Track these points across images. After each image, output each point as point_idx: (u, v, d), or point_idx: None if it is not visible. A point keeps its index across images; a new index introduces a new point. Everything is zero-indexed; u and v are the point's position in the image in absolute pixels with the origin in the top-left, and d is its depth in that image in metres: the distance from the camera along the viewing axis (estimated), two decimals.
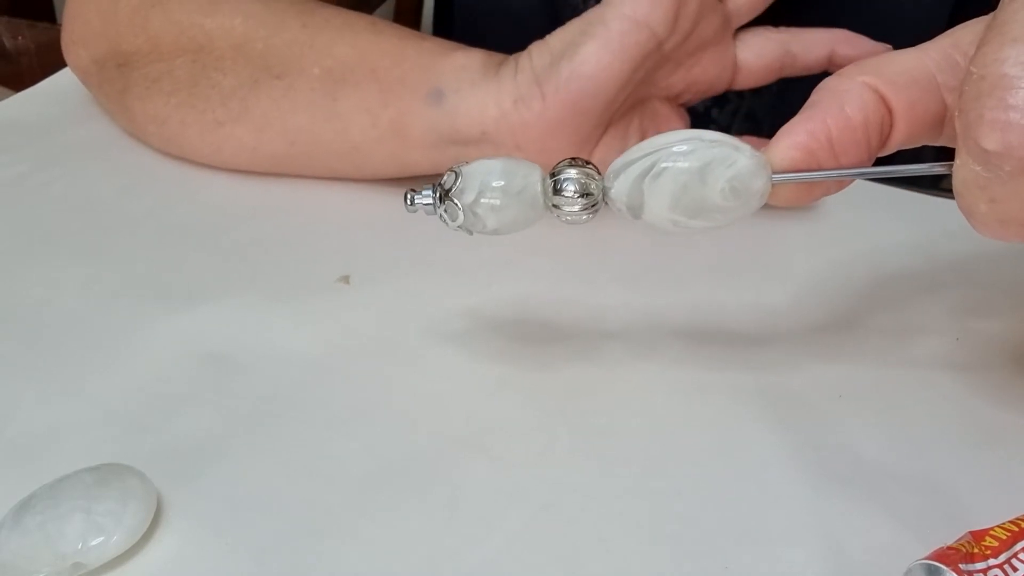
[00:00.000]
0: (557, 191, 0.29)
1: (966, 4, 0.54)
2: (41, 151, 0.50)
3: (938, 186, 0.48)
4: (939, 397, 0.35)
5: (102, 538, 0.28)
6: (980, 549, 0.27)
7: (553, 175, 0.30)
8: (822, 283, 0.42)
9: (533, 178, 0.30)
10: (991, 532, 0.27)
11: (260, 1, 0.46)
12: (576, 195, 0.29)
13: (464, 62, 0.43)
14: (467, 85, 0.42)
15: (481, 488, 0.32)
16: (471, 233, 0.31)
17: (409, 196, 0.31)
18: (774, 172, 0.28)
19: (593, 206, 0.29)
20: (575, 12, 0.45)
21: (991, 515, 0.28)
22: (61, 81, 0.55)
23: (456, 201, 0.30)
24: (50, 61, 0.56)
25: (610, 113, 0.42)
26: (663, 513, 0.31)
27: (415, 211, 0.31)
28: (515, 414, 0.35)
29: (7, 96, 0.56)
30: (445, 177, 0.30)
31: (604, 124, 0.42)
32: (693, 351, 0.38)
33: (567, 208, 0.29)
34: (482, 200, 0.30)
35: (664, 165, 0.28)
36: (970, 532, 0.27)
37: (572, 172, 0.29)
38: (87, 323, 0.38)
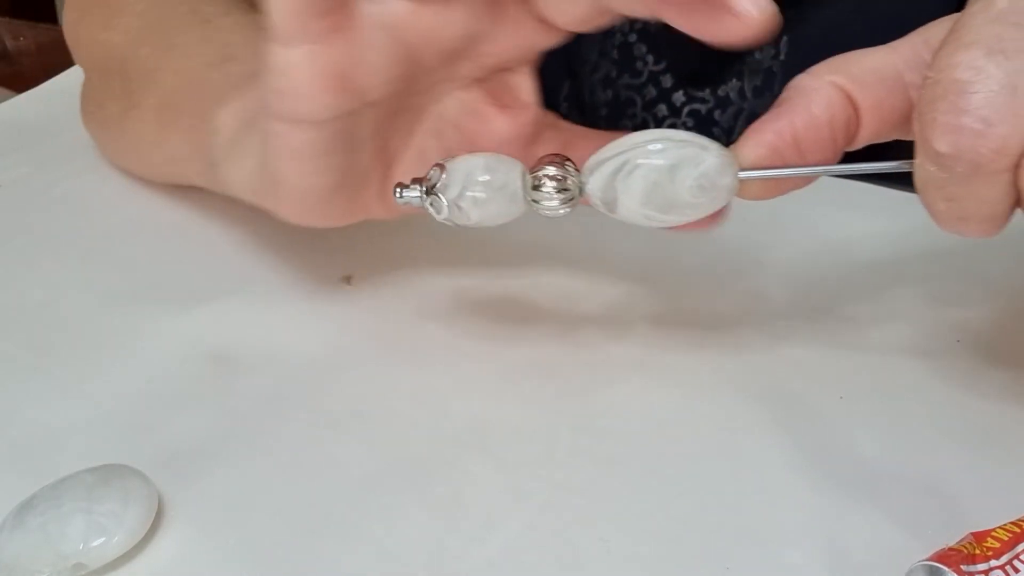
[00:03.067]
0: (536, 187, 0.31)
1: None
2: (43, 152, 0.50)
3: None
4: (940, 398, 0.35)
5: (103, 538, 0.28)
6: (982, 550, 0.27)
7: (533, 171, 0.31)
8: (823, 285, 0.42)
9: (514, 174, 0.31)
10: (993, 533, 0.27)
11: (140, 15, 0.44)
12: (554, 191, 0.31)
13: (221, 124, 0.37)
14: (221, 159, 0.37)
15: (482, 488, 0.32)
16: (456, 225, 0.31)
17: (397, 190, 0.32)
18: (742, 169, 0.30)
19: (570, 200, 0.31)
20: (593, 69, 0.44)
21: (993, 516, 0.28)
22: (63, 82, 0.55)
23: (441, 196, 0.31)
24: (51, 62, 0.56)
25: (366, 160, 0.34)
26: (664, 513, 0.31)
27: (404, 203, 0.31)
28: (516, 414, 0.35)
29: (8, 97, 0.56)
30: (431, 172, 0.31)
31: (370, 169, 0.35)
32: (694, 352, 0.38)
33: (546, 203, 0.31)
34: (466, 194, 0.31)
35: (636, 163, 0.30)
36: (971, 533, 0.27)
37: (551, 169, 0.31)
38: (88, 324, 0.38)
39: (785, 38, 0.54)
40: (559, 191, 0.31)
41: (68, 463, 0.30)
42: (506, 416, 0.35)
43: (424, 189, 0.31)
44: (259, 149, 0.33)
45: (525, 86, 0.34)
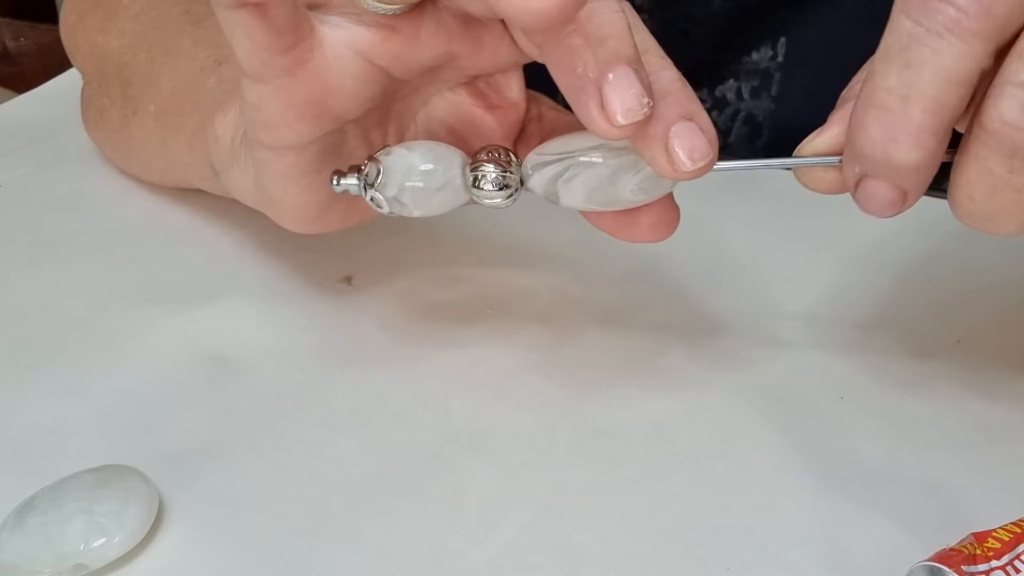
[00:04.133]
0: (476, 184, 0.31)
1: None
2: (43, 153, 0.50)
3: (937, 187, 0.48)
4: (941, 398, 0.35)
5: (104, 539, 0.28)
6: (983, 551, 0.27)
7: (473, 166, 0.31)
8: (823, 285, 0.42)
9: (453, 172, 0.31)
10: (994, 534, 0.27)
11: (135, 18, 0.44)
12: (494, 188, 0.31)
13: (220, 132, 0.37)
14: (223, 168, 0.37)
15: (482, 489, 0.32)
16: (400, 216, 0.31)
17: (335, 178, 0.31)
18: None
19: (511, 195, 0.31)
20: None
21: (994, 516, 0.28)
22: (63, 83, 0.55)
23: (380, 194, 0.31)
24: (52, 63, 0.56)
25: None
26: (664, 514, 0.31)
27: (341, 191, 0.31)
28: (516, 415, 0.35)
29: (9, 97, 0.56)
30: (367, 168, 0.31)
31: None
32: (695, 352, 0.38)
33: (487, 200, 0.31)
34: (405, 193, 0.31)
35: (575, 172, 0.30)
36: (972, 533, 0.27)
37: (489, 168, 0.30)
38: (88, 324, 0.38)
39: (783, 39, 0.54)
40: (500, 188, 0.30)
41: (68, 463, 0.30)
42: (506, 416, 0.35)
43: (362, 183, 0.31)
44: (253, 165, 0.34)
45: (513, 85, 0.34)
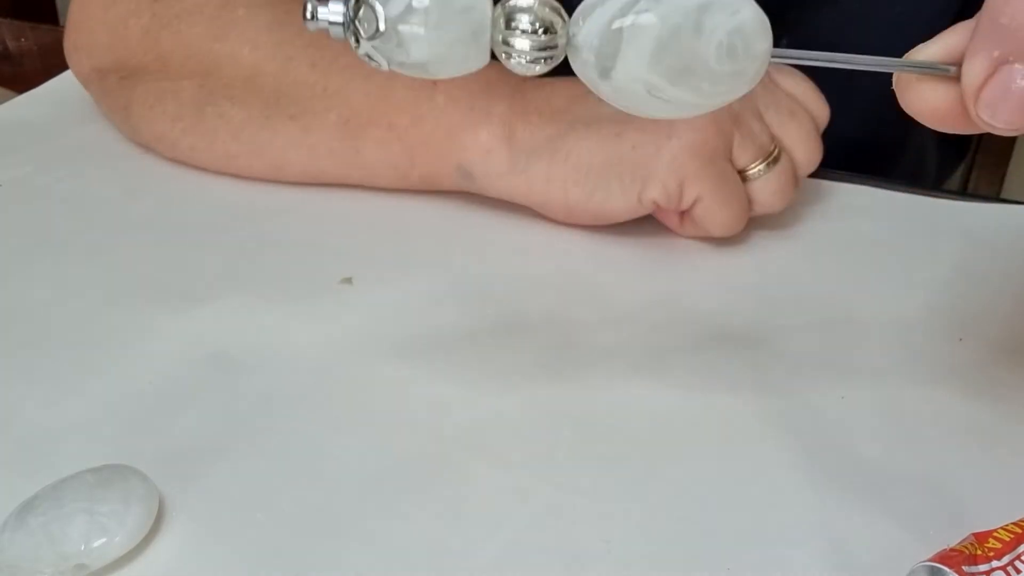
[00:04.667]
0: (510, 23, 0.24)
1: (969, 9, 0.53)
2: (44, 153, 0.50)
3: (939, 187, 0.48)
4: (942, 398, 0.35)
5: (105, 539, 0.28)
6: (983, 551, 0.27)
7: (506, 1, 0.24)
8: (824, 284, 0.42)
9: (482, 7, 0.24)
10: (994, 534, 0.27)
11: (268, 29, 0.46)
12: (533, 29, 0.23)
13: (488, 143, 0.43)
14: (495, 175, 0.43)
15: (483, 489, 0.32)
16: (386, 65, 0.24)
17: (310, 7, 0.24)
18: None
19: (551, 48, 0.24)
20: None
21: (994, 517, 0.28)
22: (64, 83, 0.55)
23: (378, 8, 0.23)
24: (53, 63, 0.56)
25: None
26: (665, 513, 0.31)
27: (316, 28, 0.24)
28: (518, 415, 0.35)
29: (10, 98, 0.56)
30: None
31: None
32: (695, 352, 0.38)
33: (519, 45, 0.24)
34: (413, 13, 0.23)
35: (651, 3, 0.23)
36: (973, 534, 0.27)
37: (531, 1, 0.23)
38: (89, 324, 0.38)
39: (785, 40, 0.54)
40: (541, 31, 0.23)
41: (69, 463, 0.30)
42: (508, 416, 0.35)
43: (352, 5, 0.24)
44: (549, 174, 0.41)
45: None
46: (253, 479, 0.32)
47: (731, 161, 0.41)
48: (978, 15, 0.24)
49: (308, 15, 0.24)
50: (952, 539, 0.28)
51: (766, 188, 0.41)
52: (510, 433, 0.34)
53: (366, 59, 0.24)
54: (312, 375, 0.36)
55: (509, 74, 0.46)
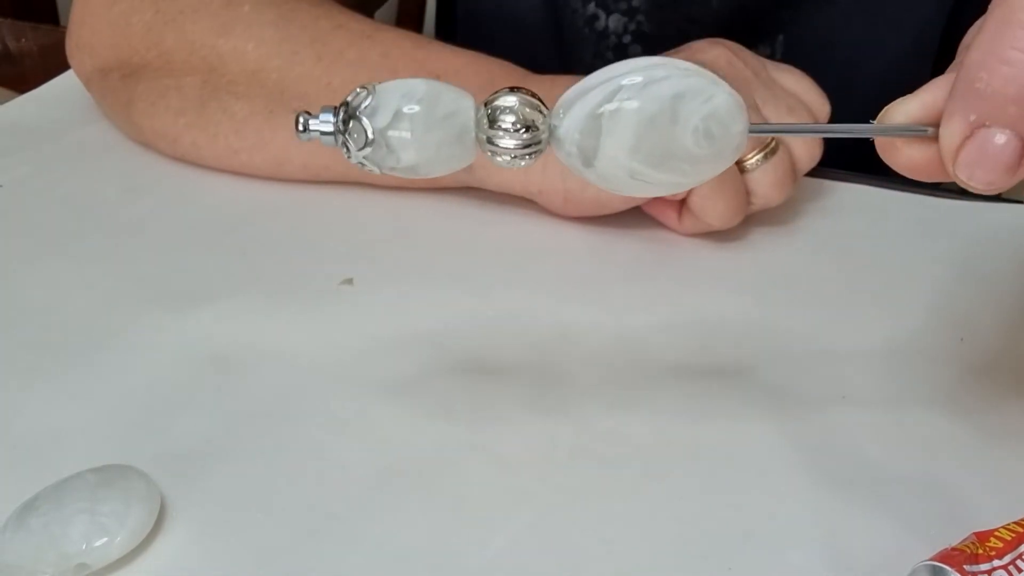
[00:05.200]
0: (493, 122, 0.24)
1: (964, 7, 0.54)
2: (44, 153, 0.50)
3: (939, 186, 0.48)
4: (943, 398, 0.35)
5: (106, 539, 0.28)
6: (984, 550, 0.27)
7: (488, 103, 0.25)
8: (825, 284, 0.42)
9: (465, 103, 0.25)
10: (996, 533, 0.27)
11: (273, 25, 0.46)
12: (516, 127, 0.24)
13: None
14: (493, 166, 0.43)
15: (484, 490, 0.32)
16: (379, 171, 0.25)
17: (302, 120, 0.25)
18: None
19: (535, 144, 0.24)
20: (575, 15, 0.44)
21: (996, 516, 0.28)
22: (64, 83, 0.55)
23: (365, 121, 0.24)
24: (53, 63, 0.56)
25: None
26: (666, 514, 0.31)
27: (308, 139, 0.25)
28: (518, 415, 0.35)
29: (10, 98, 0.56)
30: (353, 94, 0.25)
31: None
32: (696, 353, 0.38)
33: (503, 144, 0.24)
34: (399, 123, 0.24)
35: (629, 94, 0.23)
36: (974, 533, 0.27)
37: (512, 99, 0.24)
38: (90, 325, 0.38)
39: (781, 37, 0.54)
40: (523, 128, 0.24)
41: (70, 463, 0.30)
42: (507, 417, 0.35)
43: (342, 118, 0.24)
44: (546, 162, 0.39)
45: None
46: (254, 479, 0.32)
47: None
48: (955, 78, 0.24)
49: (300, 127, 0.25)
50: (953, 538, 0.28)
51: (764, 180, 0.41)
52: (511, 434, 0.34)
53: (359, 166, 0.25)
54: (313, 375, 0.36)
55: (512, 68, 0.46)
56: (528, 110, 0.24)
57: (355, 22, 0.46)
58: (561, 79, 0.43)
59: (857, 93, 0.44)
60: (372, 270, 0.42)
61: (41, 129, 0.52)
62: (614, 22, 0.56)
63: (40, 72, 0.57)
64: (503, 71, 0.44)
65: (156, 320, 0.38)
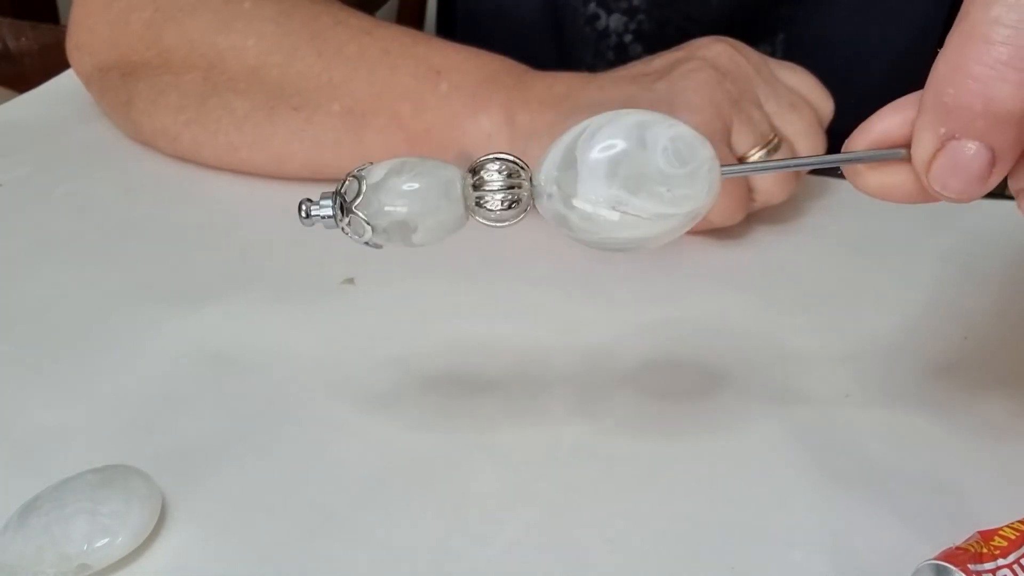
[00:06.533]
0: (478, 185, 0.26)
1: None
2: (44, 153, 0.50)
3: None
4: (947, 396, 0.35)
5: (107, 539, 0.28)
6: (989, 549, 0.26)
7: (472, 169, 0.27)
8: (827, 282, 0.42)
9: (450, 175, 0.27)
10: (1000, 532, 0.27)
11: (273, 21, 0.46)
12: (500, 186, 0.26)
13: (489, 129, 0.43)
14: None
15: (485, 488, 0.32)
16: (381, 247, 0.27)
17: (304, 207, 0.27)
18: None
19: (519, 201, 0.26)
20: (576, 15, 0.44)
21: (1000, 515, 0.28)
22: (64, 82, 0.55)
23: (361, 214, 0.26)
24: (53, 63, 0.56)
25: None
26: (668, 513, 0.31)
27: (312, 224, 0.27)
28: (520, 414, 0.35)
29: (10, 97, 0.56)
30: (345, 184, 0.26)
31: None
32: (698, 352, 0.38)
33: (491, 202, 0.26)
34: (398, 200, 0.26)
35: (598, 125, 0.25)
36: (979, 532, 0.27)
37: (492, 163, 0.26)
38: (91, 324, 0.38)
39: (781, 36, 0.54)
40: (506, 187, 0.26)
41: (71, 464, 0.30)
42: (509, 416, 0.34)
43: (339, 206, 0.26)
44: None
45: None
46: (255, 479, 0.32)
47: (730, 147, 0.41)
48: (924, 92, 0.25)
49: (303, 214, 0.27)
50: (957, 537, 0.28)
51: (766, 176, 0.41)
52: (513, 433, 0.34)
53: (370, 246, 0.27)
54: (314, 375, 0.36)
55: (513, 65, 0.46)
56: (509, 167, 0.26)
57: (355, 18, 0.46)
58: (561, 75, 0.43)
59: (857, 91, 0.44)
60: (373, 270, 0.42)
61: (41, 129, 0.52)
62: (615, 21, 0.56)
63: (40, 71, 0.57)
64: (503, 66, 0.44)
65: (156, 320, 0.38)
